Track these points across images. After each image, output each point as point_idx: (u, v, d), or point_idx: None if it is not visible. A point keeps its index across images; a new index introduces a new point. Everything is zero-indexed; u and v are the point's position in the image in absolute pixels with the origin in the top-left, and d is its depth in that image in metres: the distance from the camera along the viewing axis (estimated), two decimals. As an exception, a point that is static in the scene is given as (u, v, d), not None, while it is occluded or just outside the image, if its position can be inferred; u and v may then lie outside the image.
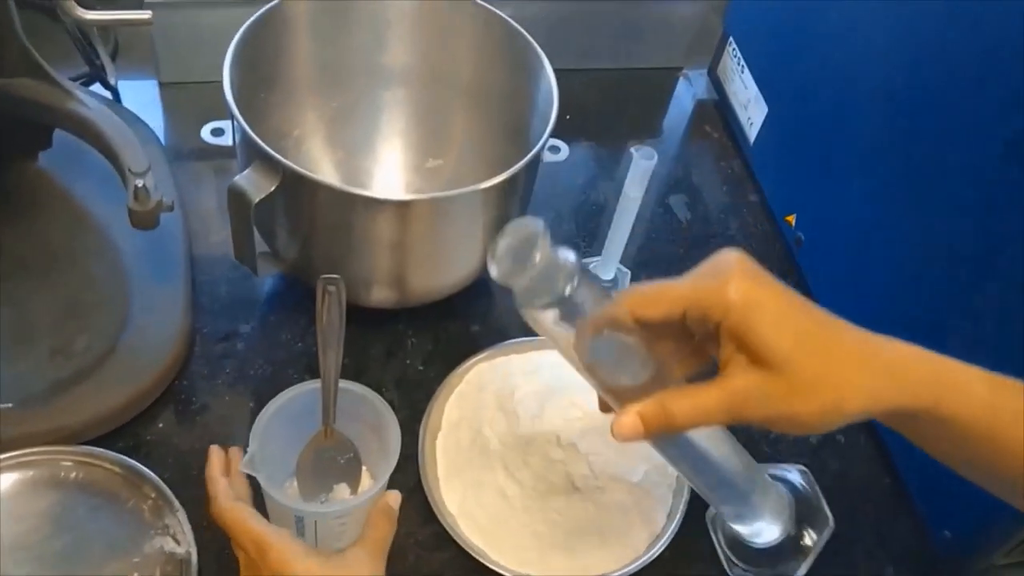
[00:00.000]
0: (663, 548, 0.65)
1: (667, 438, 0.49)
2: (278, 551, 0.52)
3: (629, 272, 0.84)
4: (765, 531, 0.54)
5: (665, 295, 0.46)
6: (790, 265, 0.87)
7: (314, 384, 0.59)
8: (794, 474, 0.56)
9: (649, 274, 0.85)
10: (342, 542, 0.58)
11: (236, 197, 0.60)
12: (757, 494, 0.54)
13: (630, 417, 0.46)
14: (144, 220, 0.62)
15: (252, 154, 0.61)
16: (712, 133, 1.01)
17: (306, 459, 0.61)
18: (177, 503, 0.63)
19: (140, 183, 0.60)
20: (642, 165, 0.71)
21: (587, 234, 0.88)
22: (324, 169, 0.81)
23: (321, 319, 0.55)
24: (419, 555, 0.65)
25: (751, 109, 0.93)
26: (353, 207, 0.62)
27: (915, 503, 0.72)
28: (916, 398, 0.44)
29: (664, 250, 0.88)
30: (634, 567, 0.64)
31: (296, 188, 0.61)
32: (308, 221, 0.65)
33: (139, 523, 0.62)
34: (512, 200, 0.68)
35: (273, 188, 0.60)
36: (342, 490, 0.62)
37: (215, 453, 0.59)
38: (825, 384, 0.43)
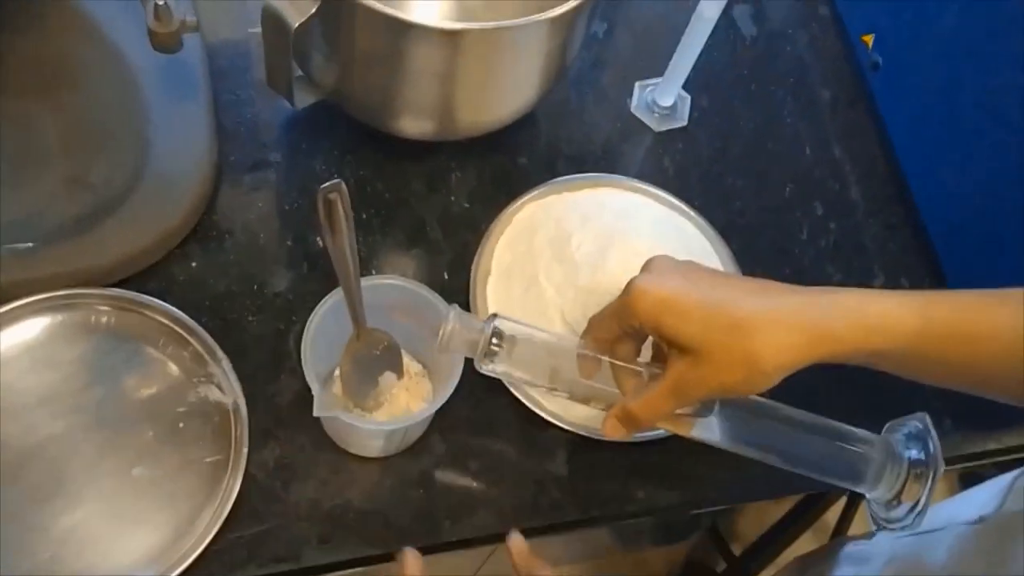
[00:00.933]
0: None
1: (711, 439, 0.54)
2: None
3: (689, 97, 0.77)
4: (875, 492, 0.53)
5: (604, 322, 0.54)
6: (861, 92, 0.80)
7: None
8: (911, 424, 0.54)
9: (710, 99, 0.78)
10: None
11: (272, 21, 0.52)
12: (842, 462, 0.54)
13: (609, 421, 0.53)
14: (166, 43, 0.55)
15: (287, -31, 0.52)
16: (782, -70, 0.90)
17: (346, 368, 0.58)
18: (220, 351, 0.59)
19: (161, 1, 0.52)
20: (724, -16, 0.63)
21: (645, 53, 0.79)
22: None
23: (327, 231, 0.49)
24: (473, 403, 0.62)
25: (831, -93, 0.82)
26: (400, 34, 0.54)
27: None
28: (838, 343, 0.47)
29: (726, 72, 0.80)
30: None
31: (338, 9, 0.53)
32: (349, 46, 0.57)
33: (180, 372, 0.59)
34: (577, 26, 0.60)
35: (314, 10, 0.52)
36: (388, 378, 0.59)
37: (411, 556, 0.56)
38: (739, 354, 0.47)
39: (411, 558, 0.55)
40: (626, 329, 0.52)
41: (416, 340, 0.60)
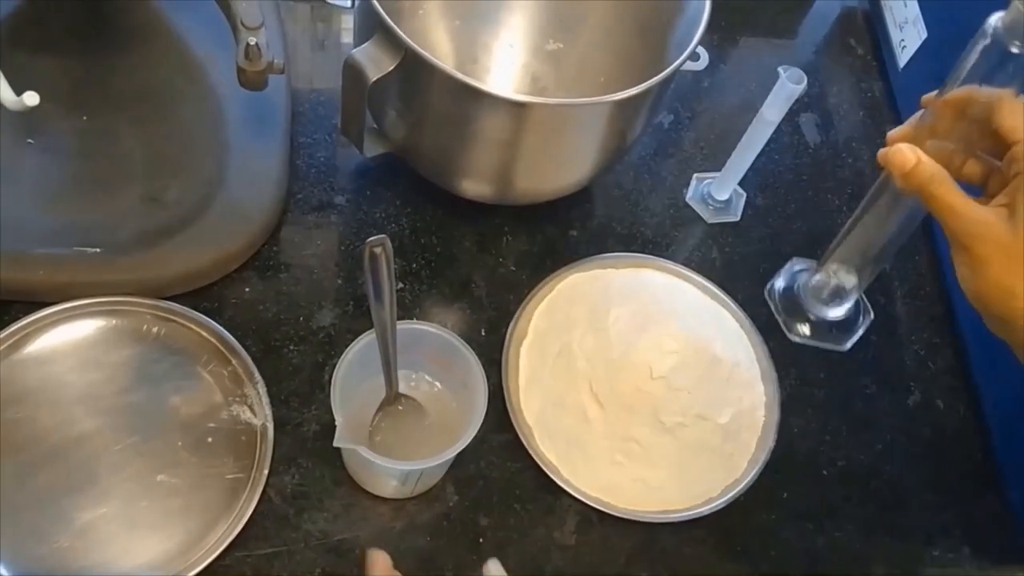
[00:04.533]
0: (740, 493, 0.63)
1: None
2: None
3: (745, 194, 0.78)
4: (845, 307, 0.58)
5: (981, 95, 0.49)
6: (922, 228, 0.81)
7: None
8: None
9: (766, 198, 0.80)
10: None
11: (352, 73, 0.56)
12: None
13: (912, 155, 0.48)
14: (253, 81, 0.58)
15: (372, 25, 0.56)
16: (856, 48, 0.92)
17: (380, 426, 0.60)
18: (258, 374, 0.62)
19: (253, 41, 0.56)
20: (787, 89, 0.65)
21: (707, 148, 0.82)
22: (438, 38, 0.76)
23: (370, 283, 0.51)
24: (491, 461, 0.63)
25: (907, 31, 0.84)
26: (469, 99, 0.57)
27: (1005, 487, 0.69)
28: None
29: (786, 174, 0.82)
30: (707, 508, 0.63)
31: (415, 70, 0.57)
32: (421, 105, 0.61)
33: (218, 389, 0.62)
34: (641, 112, 0.63)
35: (392, 68, 0.55)
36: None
37: (379, 557, 0.55)
38: None
39: (381, 558, 0.54)
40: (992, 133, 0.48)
41: (443, 386, 0.62)
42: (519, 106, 0.58)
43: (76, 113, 0.69)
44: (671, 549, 0.63)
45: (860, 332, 0.74)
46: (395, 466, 0.54)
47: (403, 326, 0.56)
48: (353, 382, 0.57)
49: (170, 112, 0.70)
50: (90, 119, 0.69)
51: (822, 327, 0.73)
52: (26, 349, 0.60)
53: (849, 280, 0.70)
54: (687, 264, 0.73)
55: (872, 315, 0.75)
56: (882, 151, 0.52)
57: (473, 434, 0.55)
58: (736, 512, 0.64)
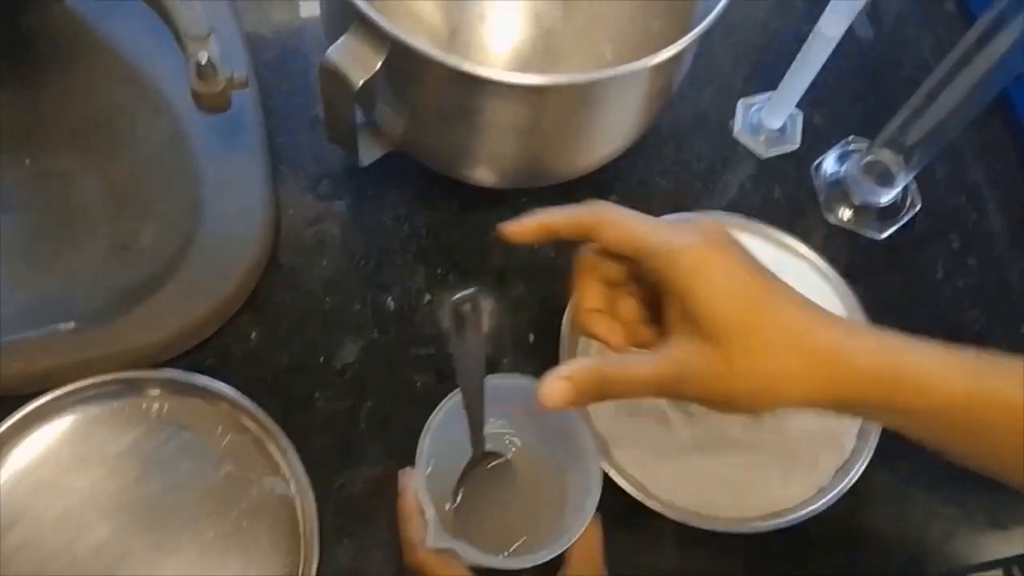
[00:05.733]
0: (858, 474, 0.55)
1: None
2: None
3: (801, 114, 0.67)
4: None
5: (625, 224, 0.42)
6: (998, 102, 0.69)
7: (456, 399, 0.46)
8: None
9: (823, 117, 0.69)
10: None
11: (332, 79, 0.45)
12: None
13: (558, 383, 0.41)
14: (213, 104, 0.48)
15: (345, 15, 0.45)
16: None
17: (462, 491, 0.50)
18: (285, 438, 0.53)
19: (204, 58, 0.45)
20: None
21: (746, 66, 0.70)
22: (420, 6, 0.63)
23: (458, 348, 0.41)
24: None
25: None
26: (473, 88, 0.46)
27: None
28: (864, 393, 0.39)
29: (842, 84, 0.70)
30: (823, 502, 0.54)
31: (406, 63, 0.46)
32: (420, 99, 0.50)
33: (241, 463, 0.53)
34: (683, 64, 0.52)
35: (378, 67, 0.44)
36: None
37: (405, 479, 0.48)
38: (764, 365, 0.39)
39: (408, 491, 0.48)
40: (640, 259, 0.42)
41: (539, 443, 0.52)
42: (538, 90, 0.47)
43: (15, 156, 0.58)
44: (792, 554, 0.55)
45: (904, 219, 0.66)
46: (505, 564, 0.45)
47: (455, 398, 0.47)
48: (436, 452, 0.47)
49: (124, 139, 0.59)
50: (33, 161, 0.59)
51: (866, 211, 0.65)
52: (9, 457, 0.52)
53: (898, 164, 0.62)
54: (747, 212, 0.63)
55: (920, 204, 0.66)
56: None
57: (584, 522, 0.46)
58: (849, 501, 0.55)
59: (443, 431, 0.47)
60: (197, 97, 0.47)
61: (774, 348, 0.39)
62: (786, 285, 0.42)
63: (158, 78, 0.59)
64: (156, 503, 0.52)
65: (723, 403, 0.41)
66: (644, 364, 0.41)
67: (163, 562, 0.51)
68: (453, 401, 0.46)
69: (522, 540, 0.48)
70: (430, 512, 0.44)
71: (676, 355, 0.40)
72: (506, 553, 0.47)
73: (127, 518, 0.51)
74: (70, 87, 0.60)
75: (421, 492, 0.45)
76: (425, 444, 0.46)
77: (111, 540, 0.51)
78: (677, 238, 0.41)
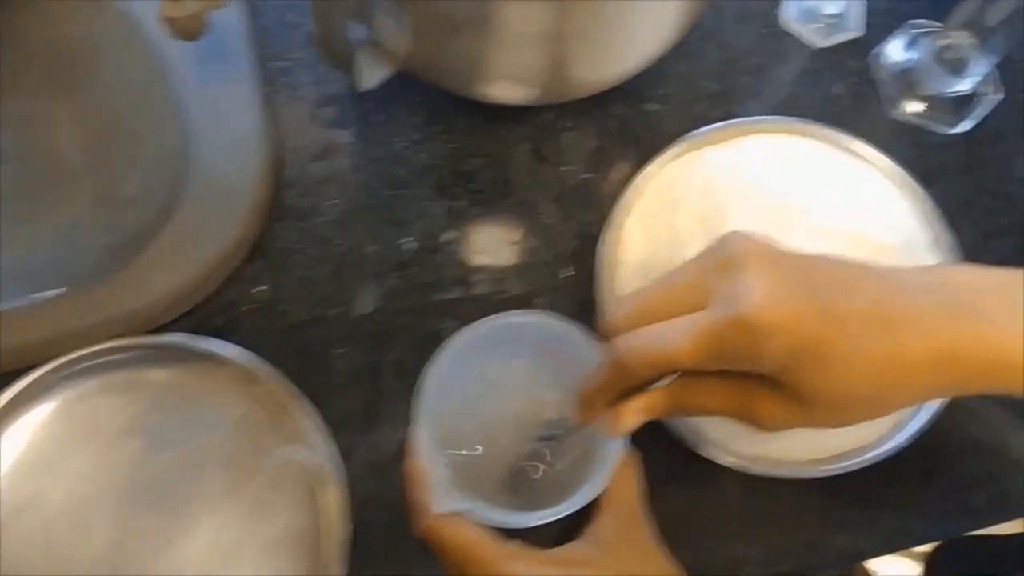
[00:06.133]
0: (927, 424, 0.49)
1: None
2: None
3: (863, -2, 0.59)
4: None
5: (662, 351, 0.36)
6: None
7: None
8: None
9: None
10: None
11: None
12: None
13: (634, 415, 0.39)
14: (185, 30, 0.42)
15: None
16: None
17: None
18: (306, 401, 0.48)
19: (167, -23, 0.38)
20: None
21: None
22: None
23: None
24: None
25: None
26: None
27: None
28: (971, 384, 0.36)
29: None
30: (904, 438, 0.48)
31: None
32: (424, 10, 0.43)
33: (257, 430, 0.48)
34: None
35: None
36: None
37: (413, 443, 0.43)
38: (855, 391, 0.36)
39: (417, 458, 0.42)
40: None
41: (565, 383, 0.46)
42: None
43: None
44: (866, 497, 0.49)
45: (982, 112, 0.58)
46: (529, 520, 0.40)
47: (493, 321, 0.42)
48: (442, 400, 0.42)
49: (100, 76, 0.53)
50: (1, 105, 0.53)
51: (938, 103, 0.58)
52: None
53: (976, 49, 0.56)
54: (803, 112, 0.55)
55: (1003, 94, 0.58)
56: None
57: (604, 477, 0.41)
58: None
59: (449, 376, 0.42)
60: (167, 24, 0.41)
61: (860, 378, 0.36)
62: (848, 274, 0.37)
63: (137, 8, 0.52)
64: (165, 480, 0.47)
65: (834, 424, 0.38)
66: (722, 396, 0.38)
67: (188, 545, 0.46)
68: (452, 345, 0.42)
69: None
70: (435, 474, 0.39)
71: (763, 411, 0.38)
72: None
73: (136, 503, 0.47)
74: (34, 20, 0.53)
75: (426, 452, 0.40)
76: (425, 399, 0.41)
77: (125, 526, 0.46)
78: (738, 321, 0.35)
